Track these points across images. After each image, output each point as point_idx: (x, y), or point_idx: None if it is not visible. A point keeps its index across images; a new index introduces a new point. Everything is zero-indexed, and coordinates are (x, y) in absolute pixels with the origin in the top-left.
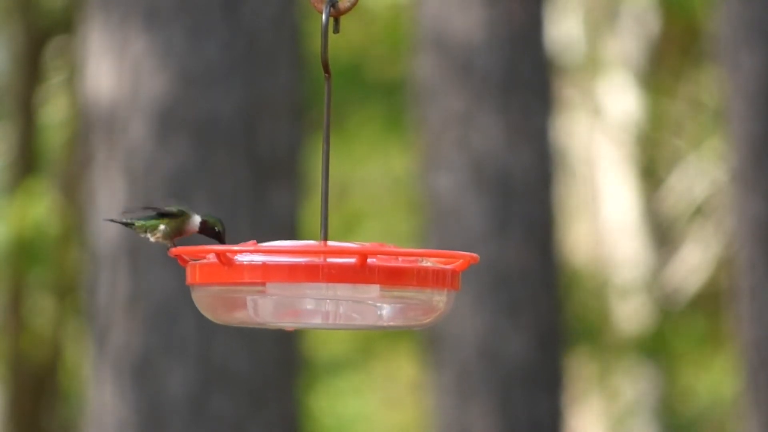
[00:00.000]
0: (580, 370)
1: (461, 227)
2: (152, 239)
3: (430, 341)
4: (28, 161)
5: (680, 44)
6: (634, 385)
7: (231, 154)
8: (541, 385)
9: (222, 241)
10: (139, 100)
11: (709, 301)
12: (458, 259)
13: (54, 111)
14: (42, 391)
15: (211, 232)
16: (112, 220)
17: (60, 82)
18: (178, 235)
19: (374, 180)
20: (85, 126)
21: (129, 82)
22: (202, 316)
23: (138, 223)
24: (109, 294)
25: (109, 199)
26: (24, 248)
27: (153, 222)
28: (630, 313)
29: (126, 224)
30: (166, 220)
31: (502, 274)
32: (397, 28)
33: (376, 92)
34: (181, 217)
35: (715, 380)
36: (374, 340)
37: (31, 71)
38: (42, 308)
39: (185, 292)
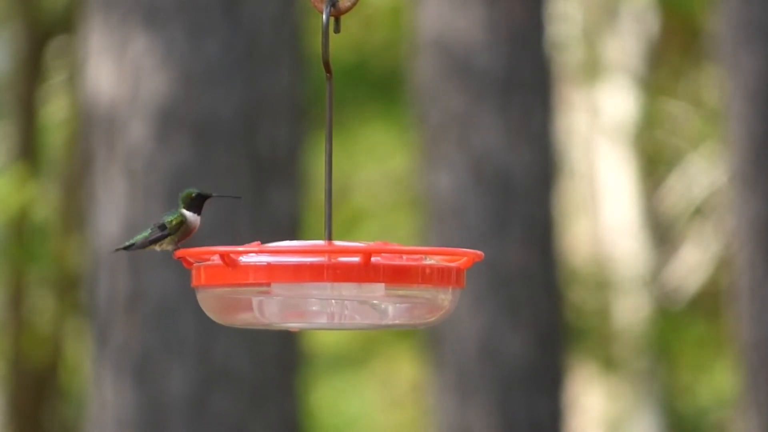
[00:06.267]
0: (580, 369)
1: (461, 227)
2: (158, 249)
3: (430, 340)
4: (28, 160)
5: (680, 44)
6: (634, 385)
7: (231, 154)
8: (541, 384)
9: (208, 198)
10: (139, 99)
11: (709, 301)
12: (462, 257)
13: (55, 110)
14: (42, 391)
15: (199, 202)
16: (118, 249)
17: (61, 82)
18: (183, 238)
19: (374, 179)
20: (86, 125)
21: (129, 82)
22: (202, 315)
23: (138, 240)
24: (109, 293)
25: (109, 198)
26: (24, 247)
27: (159, 237)
28: (630, 313)
29: (128, 248)
30: (171, 237)
31: (502, 273)
32: (397, 27)
33: (376, 91)
34: (182, 222)
35: (715, 380)
36: (375, 340)
37: (32, 71)
38: (42, 308)
39: (185, 291)
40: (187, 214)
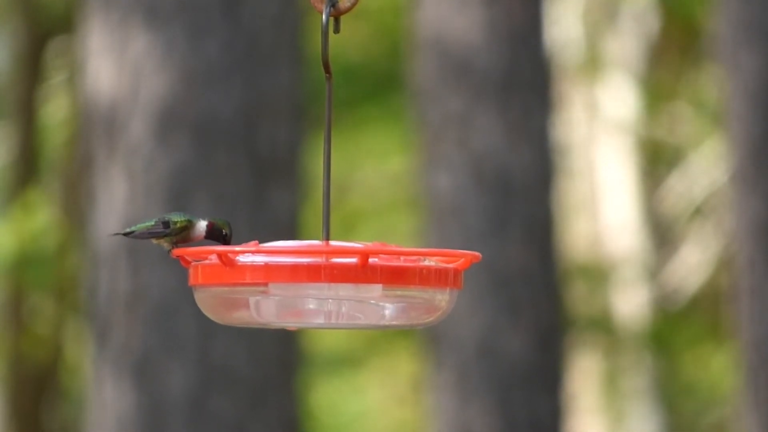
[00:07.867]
0: (580, 368)
1: (461, 227)
2: (155, 243)
3: (430, 340)
4: (28, 161)
5: (680, 44)
6: (634, 384)
7: (231, 154)
8: (541, 384)
9: (228, 244)
10: (140, 99)
11: (709, 300)
12: (460, 258)
13: (55, 110)
14: (42, 391)
15: (218, 235)
16: (116, 234)
17: (60, 82)
18: (182, 242)
19: (373, 180)
20: (86, 125)
21: (129, 82)
22: (202, 315)
23: (139, 229)
24: (109, 293)
25: (109, 198)
26: (25, 249)
27: (159, 233)
28: (630, 313)
29: (127, 234)
30: (170, 238)
31: (502, 273)
32: (397, 27)
33: (376, 91)
34: (186, 227)
35: (715, 380)
36: (374, 339)
37: (32, 71)
38: (42, 308)
39: (185, 291)
40: (199, 224)
